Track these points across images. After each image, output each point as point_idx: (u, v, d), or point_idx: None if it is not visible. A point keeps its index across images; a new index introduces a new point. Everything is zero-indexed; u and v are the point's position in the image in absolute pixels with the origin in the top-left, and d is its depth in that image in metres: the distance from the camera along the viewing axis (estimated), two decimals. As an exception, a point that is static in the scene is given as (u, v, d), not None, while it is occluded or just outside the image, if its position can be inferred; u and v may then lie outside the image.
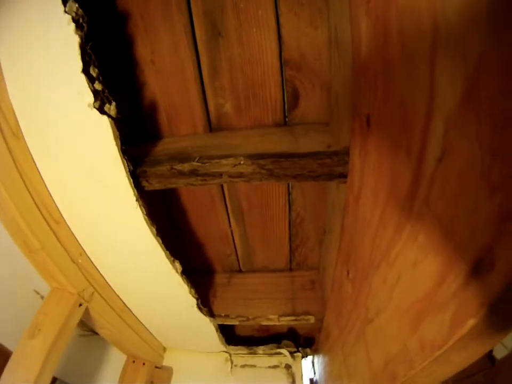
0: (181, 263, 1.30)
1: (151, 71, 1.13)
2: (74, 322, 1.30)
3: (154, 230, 1.14)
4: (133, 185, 1.02)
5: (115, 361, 2.01)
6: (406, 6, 0.47)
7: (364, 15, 0.64)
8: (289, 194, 1.33)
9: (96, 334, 2.16)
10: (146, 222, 1.11)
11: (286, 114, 1.15)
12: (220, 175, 0.99)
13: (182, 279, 1.33)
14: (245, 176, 0.97)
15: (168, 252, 1.22)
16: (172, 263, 1.26)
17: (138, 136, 1.23)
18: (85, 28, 0.84)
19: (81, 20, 0.83)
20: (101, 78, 0.90)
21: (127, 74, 1.14)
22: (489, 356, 1.70)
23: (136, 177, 1.04)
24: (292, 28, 1.01)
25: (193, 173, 1.00)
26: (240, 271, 1.77)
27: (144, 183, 1.07)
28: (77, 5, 0.82)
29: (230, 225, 1.50)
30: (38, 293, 1.94)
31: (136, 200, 1.05)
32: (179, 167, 1.00)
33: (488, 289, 0.37)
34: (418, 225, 0.51)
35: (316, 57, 1.04)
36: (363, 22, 0.65)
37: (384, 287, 0.68)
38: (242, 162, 0.95)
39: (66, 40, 0.84)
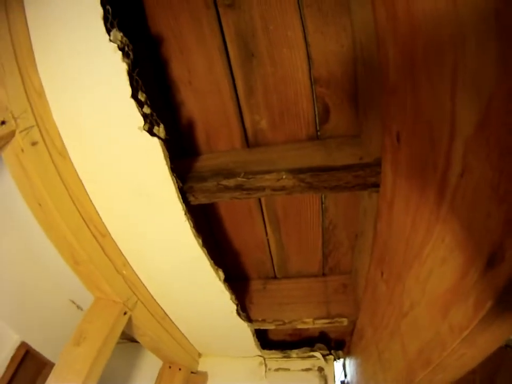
0: (217, 265, 1.39)
1: (188, 91, 1.21)
2: (119, 330, 1.38)
3: (200, 241, 1.24)
4: (181, 200, 1.13)
5: (150, 368, 2.13)
6: (431, 36, 0.55)
7: (392, 40, 0.72)
8: (322, 203, 1.42)
9: (131, 341, 2.28)
10: (194, 234, 1.21)
11: (318, 128, 1.23)
12: (263, 189, 1.09)
13: (225, 286, 1.43)
14: (287, 189, 1.07)
15: (212, 261, 1.33)
16: (216, 271, 1.36)
17: (177, 153, 1.31)
18: (131, 56, 0.93)
19: (126, 48, 0.92)
20: (149, 102, 0.98)
21: (165, 94, 1.23)
22: None
23: (183, 193, 1.14)
24: (319, 46, 1.08)
25: (239, 187, 1.09)
26: (275, 277, 1.86)
27: (191, 198, 1.16)
28: (121, 34, 0.90)
29: (267, 234, 1.59)
30: (74, 302, 2.07)
31: (185, 214, 1.16)
32: (225, 182, 1.10)
33: (501, 277, 0.46)
34: (445, 228, 0.61)
35: (343, 74, 1.11)
36: (391, 47, 0.73)
37: (417, 283, 0.78)
38: (284, 177, 1.04)
39: (114, 67, 0.92)
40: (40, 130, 1.05)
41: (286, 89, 1.17)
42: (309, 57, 1.10)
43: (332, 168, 1.04)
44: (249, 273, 1.87)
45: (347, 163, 1.05)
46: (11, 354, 1.84)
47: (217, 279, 1.40)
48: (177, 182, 1.10)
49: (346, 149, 1.14)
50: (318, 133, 1.25)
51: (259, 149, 1.28)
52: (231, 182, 1.10)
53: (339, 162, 1.06)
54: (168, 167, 1.06)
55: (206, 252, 1.29)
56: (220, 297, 1.50)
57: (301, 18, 1.03)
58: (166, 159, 1.05)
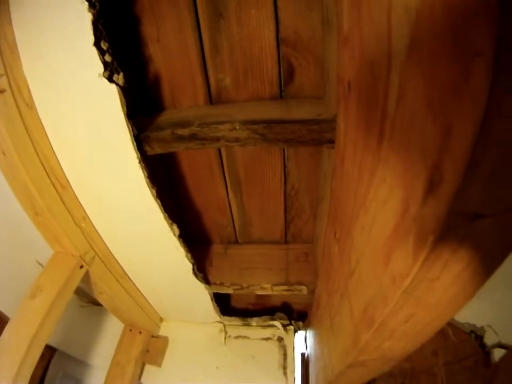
0: (180, 232, 1.41)
1: (156, 48, 1.23)
2: (74, 284, 1.40)
3: (154, 192, 1.25)
4: (136, 148, 1.14)
5: (114, 331, 2.13)
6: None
7: None
8: (284, 166, 1.43)
9: (96, 305, 2.28)
10: (147, 184, 1.22)
11: (282, 88, 1.24)
12: (217, 139, 1.10)
13: (179, 242, 1.44)
14: (240, 140, 1.08)
15: (166, 214, 1.33)
16: (170, 225, 1.37)
17: (143, 110, 1.32)
18: (97, 7, 0.94)
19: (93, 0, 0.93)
20: (110, 51, 1.00)
21: (133, 51, 1.24)
22: (481, 343, 1.78)
23: (139, 142, 1.16)
24: (288, 9, 1.09)
25: (193, 137, 1.11)
26: (236, 242, 1.88)
27: (147, 148, 1.18)
28: None
29: (228, 196, 1.59)
30: (40, 264, 2.05)
31: (139, 163, 1.16)
32: (180, 131, 1.11)
33: (442, 201, 0.44)
34: (385, 167, 0.60)
35: (311, 37, 1.12)
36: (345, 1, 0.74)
37: (362, 234, 0.77)
38: (237, 127, 1.05)
39: (80, 17, 0.94)
40: (8, 80, 1.08)
41: (252, 49, 1.18)
42: (277, 18, 1.11)
43: (286, 121, 1.05)
44: (211, 237, 1.88)
45: (303, 118, 1.06)
46: None
47: (172, 234, 1.41)
48: (132, 130, 1.11)
49: (307, 107, 1.15)
50: (282, 93, 1.26)
51: (221, 106, 1.29)
52: (185, 131, 1.11)
53: (295, 117, 1.07)
54: (124, 114, 1.08)
55: (159, 203, 1.30)
56: (175, 254, 1.51)
57: None
58: (122, 106, 1.07)
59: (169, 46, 1.22)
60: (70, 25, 0.98)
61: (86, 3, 0.93)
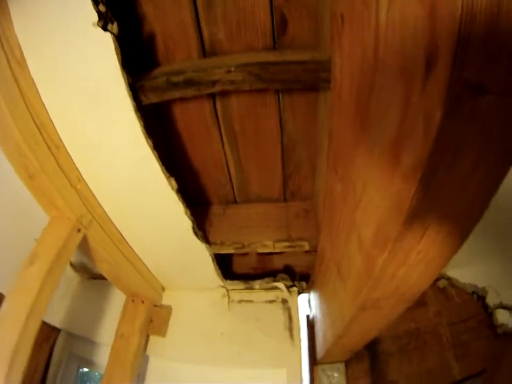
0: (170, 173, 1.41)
1: (149, 5, 1.23)
2: (72, 247, 1.40)
3: (151, 143, 1.26)
4: (132, 97, 1.15)
5: (117, 306, 2.14)
6: None
7: None
8: (280, 118, 1.44)
9: (97, 278, 2.30)
10: (144, 134, 1.23)
11: (276, 39, 1.26)
12: (213, 83, 1.12)
13: (178, 197, 1.45)
14: (236, 83, 1.10)
15: (164, 167, 1.35)
16: (168, 179, 1.38)
17: (138, 67, 1.31)
18: None
19: None
20: (104, 1, 1.02)
21: (127, 8, 1.24)
22: (483, 304, 1.85)
23: (135, 91, 1.16)
24: None
25: (188, 82, 1.13)
26: (235, 201, 1.91)
27: (142, 97, 1.19)
28: None
29: (225, 153, 1.61)
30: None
31: (135, 112, 1.17)
32: (174, 78, 1.13)
33: (440, 79, 0.45)
34: (384, 73, 0.61)
35: None
36: None
37: (365, 154, 0.78)
38: (233, 69, 1.08)
39: None
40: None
41: (244, 3, 1.19)
42: None
43: (281, 62, 1.08)
44: (209, 197, 1.91)
45: (299, 59, 1.09)
46: None
47: (170, 188, 1.42)
48: (127, 79, 1.12)
49: (302, 52, 1.18)
50: (276, 44, 1.28)
51: (215, 57, 1.30)
52: (180, 78, 1.13)
53: (290, 58, 1.10)
54: (119, 62, 1.09)
55: (156, 155, 1.31)
56: (174, 210, 1.52)
57: None
58: (117, 54, 1.08)
59: (162, 2, 1.22)
60: None
61: None
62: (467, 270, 1.98)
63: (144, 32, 1.29)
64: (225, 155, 1.65)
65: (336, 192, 1.13)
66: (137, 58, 1.32)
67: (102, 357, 2.11)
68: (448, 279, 2.03)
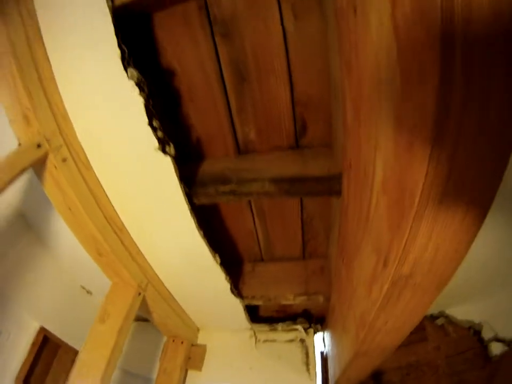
0: (215, 251, 1.68)
1: (190, 107, 1.43)
2: (135, 308, 1.65)
3: (202, 233, 1.53)
4: (188, 202, 1.41)
5: (154, 342, 2.48)
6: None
7: (346, 76, 0.92)
8: (301, 201, 1.69)
9: (138, 320, 2.58)
10: (197, 228, 1.50)
11: (298, 140, 1.47)
12: (251, 194, 1.35)
13: (221, 268, 1.74)
14: (269, 194, 1.33)
15: (211, 248, 1.62)
16: (214, 256, 1.66)
17: (181, 158, 1.49)
18: (146, 90, 1.13)
19: (142, 84, 1.12)
20: (162, 128, 1.22)
21: (173, 109, 1.44)
22: (479, 338, 2.07)
23: (189, 196, 1.42)
24: (301, 77, 1.28)
25: (232, 193, 1.37)
26: (262, 259, 2.19)
27: (195, 200, 1.44)
28: (137, 71, 1.09)
29: (255, 224, 1.89)
30: (84, 288, 2.37)
31: (190, 213, 1.44)
32: (222, 189, 1.38)
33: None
34: (375, 217, 0.93)
35: (320, 99, 1.33)
36: (346, 80, 0.93)
37: (360, 264, 1.07)
38: (267, 186, 1.32)
39: (132, 100, 1.13)
40: (68, 148, 1.26)
41: (271, 110, 1.38)
42: (291, 84, 1.31)
43: (305, 179, 1.31)
44: (241, 256, 2.19)
45: (318, 175, 1.31)
46: (32, 340, 2.10)
47: (215, 262, 1.70)
48: (184, 189, 1.38)
49: (320, 159, 1.40)
50: (298, 143, 1.48)
51: (248, 156, 1.54)
52: (226, 188, 1.37)
53: (311, 173, 1.32)
54: (178, 178, 1.33)
55: (206, 241, 1.57)
56: (217, 277, 1.81)
57: (287, 55, 1.24)
58: (176, 172, 1.32)
59: (201, 105, 1.41)
60: (122, 104, 1.17)
61: (137, 89, 1.11)
62: (464, 307, 2.18)
63: (187, 131, 1.51)
64: (255, 226, 1.89)
65: (342, 275, 1.41)
66: (183, 152, 1.54)
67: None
68: (446, 317, 2.23)
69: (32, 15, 1.10)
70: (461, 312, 2.21)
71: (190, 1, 1.16)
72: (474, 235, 0.65)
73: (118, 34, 1.05)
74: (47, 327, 2.18)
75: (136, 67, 1.10)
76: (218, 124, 1.47)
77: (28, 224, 2.02)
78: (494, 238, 1.67)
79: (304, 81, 1.31)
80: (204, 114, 1.45)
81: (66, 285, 2.30)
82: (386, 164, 0.74)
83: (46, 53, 1.16)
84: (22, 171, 1.12)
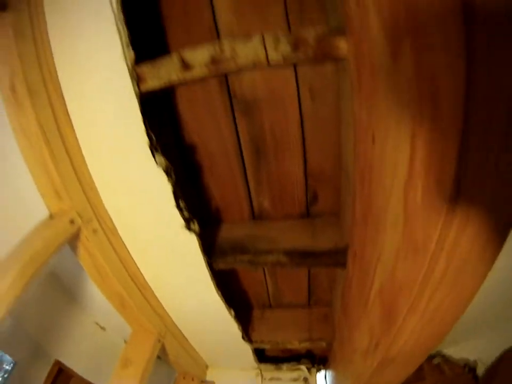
0: (230, 305, 1.81)
1: (210, 178, 1.54)
2: (155, 355, 1.77)
3: (220, 292, 1.67)
4: (209, 269, 1.55)
5: (165, 378, 2.59)
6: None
7: (359, 181, 0.98)
8: None
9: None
10: (215, 289, 1.65)
11: (309, 208, 1.58)
12: (266, 263, 1.49)
13: (235, 320, 1.89)
14: (282, 264, 1.46)
15: (227, 304, 1.76)
16: (229, 310, 1.81)
17: (202, 222, 1.51)
18: (173, 177, 1.20)
19: (169, 170, 1.18)
20: (187, 208, 1.30)
21: (195, 180, 1.54)
22: (474, 375, 2.17)
23: (211, 265, 1.55)
24: (314, 153, 1.38)
25: (249, 262, 1.49)
26: (270, 306, 2.31)
27: (215, 266, 1.57)
28: (164, 158, 1.16)
29: (265, 278, 2.03)
30: (98, 324, 2.51)
31: (211, 277, 1.58)
32: (240, 258, 1.50)
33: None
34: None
35: (331, 171, 1.42)
36: (358, 184, 0.98)
37: (361, 331, 1.21)
38: (281, 258, 1.44)
39: (163, 183, 1.21)
40: (98, 220, 1.33)
41: (286, 182, 1.49)
42: (305, 159, 1.41)
43: (315, 253, 1.43)
44: (251, 302, 2.32)
45: (326, 248, 1.42)
46: (47, 371, 2.20)
47: (230, 315, 1.85)
48: (207, 259, 1.50)
49: (328, 229, 1.51)
50: (308, 212, 1.59)
51: (263, 222, 1.66)
52: (244, 258, 1.49)
53: (320, 247, 1.43)
54: (202, 251, 1.45)
55: (223, 298, 1.71)
56: (230, 327, 1.96)
57: (302, 133, 1.33)
58: (200, 247, 1.43)
59: (221, 177, 1.51)
60: (151, 192, 1.26)
61: (165, 175, 1.18)
62: (459, 347, 2.28)
63: (206, 198, 1.62)
64: (265, 278, 2.01)
65: (344, 333, 1.55)
66: (202, 217, 1.61)
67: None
68: (443, 356, 2.32)
69: (61, 100, 1.15)
70: (456, 350, 2.30)
71: (211, 79, 1.25)
72: (446, 334, 0.85)
73: (145, 121, 1.11)
74: (62, 359, 2.28)
75: (162, 147, 1.17)
76: (236, 193, 1.58)
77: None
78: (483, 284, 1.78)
79: (317, 157, 1.40)
80: (223, 184, 1.56)
81: (81, 321, 2.39)
82: (384, 279, 0.88)
83: (74, 133, 1.21)
84: (59, 247, 1.18)
